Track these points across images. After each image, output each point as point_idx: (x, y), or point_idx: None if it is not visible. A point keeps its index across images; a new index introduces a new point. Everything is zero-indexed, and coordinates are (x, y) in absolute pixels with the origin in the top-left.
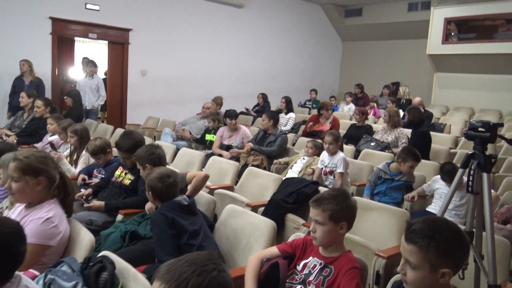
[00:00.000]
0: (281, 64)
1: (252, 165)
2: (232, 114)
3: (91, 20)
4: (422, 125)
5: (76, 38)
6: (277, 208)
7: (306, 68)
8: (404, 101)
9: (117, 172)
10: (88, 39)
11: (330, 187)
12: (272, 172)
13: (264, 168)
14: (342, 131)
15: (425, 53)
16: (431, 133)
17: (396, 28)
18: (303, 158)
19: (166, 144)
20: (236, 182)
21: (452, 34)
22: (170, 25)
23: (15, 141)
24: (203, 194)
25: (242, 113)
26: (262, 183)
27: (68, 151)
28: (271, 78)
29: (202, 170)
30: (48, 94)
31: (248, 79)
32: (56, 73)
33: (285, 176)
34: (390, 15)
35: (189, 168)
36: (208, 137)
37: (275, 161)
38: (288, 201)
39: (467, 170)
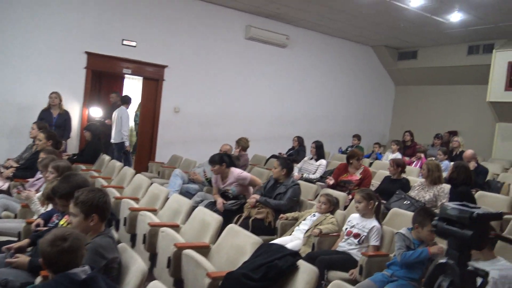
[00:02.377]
0: (325, 107)
1: (256, 219)
2: (212, 160)
3: (126, 55)
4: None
5: (126, 76)
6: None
7: (353, 112)
8: (458, 153)
9: (61, 222)
10: (125, 74)
11: (351, 251)
12: (277, 228)
13: (269, 223)
14: (377, 183)
15: (486, 100)
16: (484, 193)
17: (454, 72)
18: (314, 214)
19: (159, 187)
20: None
21: None
22: (207, 63)
23: (11, 174)
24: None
25: (274, 156)
26: (240, 246)
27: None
28: (312, 121)
29: (186, 221)
30: (75, 127)
31: (287, 121)
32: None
33: (290, 234)
34: (447, 58)
35: (175, 217)
36: None
37: (281, 215)
38: (253, 277)
39: None
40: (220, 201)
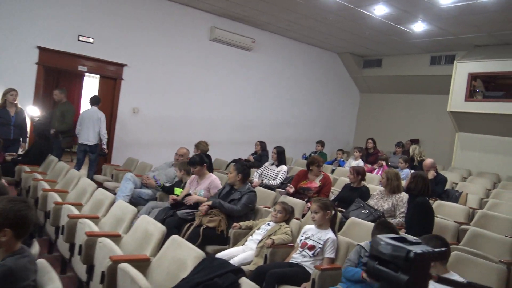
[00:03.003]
0: (290, 112)
1: (207, 228)
2: (193, 161)
3: (83, 52)
4: (424, 195)
5: (85, 74)
6: None
7: (318, 118)
8: (417, 163)
9: None
10: (83, 72)
11: (304, 264)
12: (229, 237)
13: (222, 232)
14: (337, 190)
15: (447, 110)
16: (442, 203)
17: (417, 81)
18: (268, 223)
19: (104, 192)
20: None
21: (477, 91)
22: (169, 63)
23: None
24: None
25: (235, 161)
26: (181, 260)
27: None
28: (277, 126)
29: (130, 229)
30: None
31: (251, 125)
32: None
33: (243, 244)
34: (411, 67)
35: (118, 226)
36: (177, 190)
37: (234, 224)
38: None
39: None
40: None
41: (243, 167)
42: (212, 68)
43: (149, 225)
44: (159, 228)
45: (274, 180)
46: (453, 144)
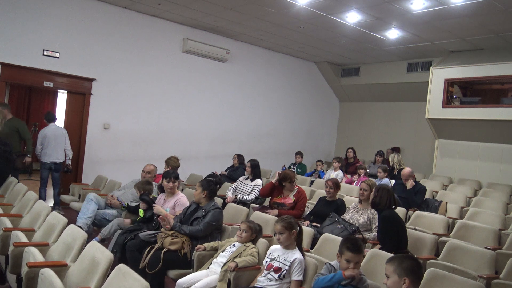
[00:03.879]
0: (269, 123)
1: (169, 250)
2: (169, 175)
3: (48, 67)
4: (391, 208)
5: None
6: None
7: (298, 129)
8: (397, 172)
9: None
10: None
11: (270, 287)
12: (193, 260)
13: (185, 255)
14: (313, 204)
15: (425, 117)
16: (420, 213)
17: (396, 89)
18: (233, 245)
19: (57, 216)
20: None
21: (454, 97)
22: (141, 76)
23: None
24: None
25: (211, 175)
26: None
27: None
28: (256, 138)
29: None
30: None
31: (229, 138)
32: None
33: (207, 268)
34: (388, 75)
35: (67, 254)
36: (142, 212)
37: (198, 246)
38: None
39: None
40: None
41: (209, 183)
42: (186, 81)
43: (97, 253)
44: (106, 257)
45: (248, 195)
46: (433, 152)
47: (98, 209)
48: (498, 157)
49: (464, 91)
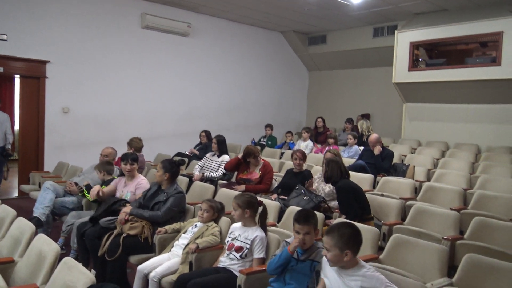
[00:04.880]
0: (238, 97)
1: (129, 236)
2: (126, 157)
3: None
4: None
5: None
6: None
7: (268, 101)
8: (366, 139)
9: None
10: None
11: (232, 267)
12: (155, 244)
13: (146, 239)
14: (280, 177)
15: (392, 81)
16: (387, 179)
17: (363, 55)
18: (195, 225)
19: (6, 209)
20: None
21: (420, 60)
22: (99, 56)
23: None
24: None
25: (179, 154)
26: (71, 287)
27: None
28: (226, 113)
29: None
30: None
31: (197, 115)
32: None
33: (169, 251)
34: (355, 41)
35: (15, 249)
36: (87, 195)
37: (158, 229)
38: None
39: None
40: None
41: (171, 165)
42: (147, 58)
43: (44, 246)
44: (53, 250)
45: (216, 171)
46: (402, 116)
47: (56, 197)
48: (464, 117)
49: (429, 54)
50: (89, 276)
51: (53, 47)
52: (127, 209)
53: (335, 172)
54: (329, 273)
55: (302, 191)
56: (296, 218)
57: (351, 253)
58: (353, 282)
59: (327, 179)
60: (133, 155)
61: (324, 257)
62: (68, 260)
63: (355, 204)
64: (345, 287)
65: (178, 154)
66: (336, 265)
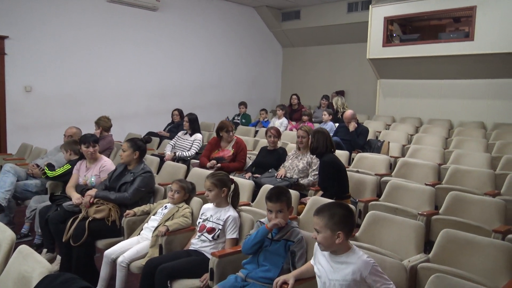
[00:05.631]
0: (211, 74)
1: (95, 220)
2: (87, 139)
3: None
4: (331, 152)
5: None
6: None
7: (242, 78)
8: (341, 115)
9: None
10: None
11: (203, 250)
12: (123, 227)
13: (113, 222)
14: (254, 155)
15: (366, 57)
16: (362, 155)
17: (337, 31)
18: (165, 206)
19: None
20: None
21: (394, 35)
22: (62, 32)
23: None
24: None
25: (150, 133)
26: (26, 277)
27: None
28: (199, 91)
29: None
30: None
31: (169, 92)
32: None
33: (138, 234)
34: (329, 17)
35: None
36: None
37: (126, 212)
38: None
39: None
40: (77, 196)
41: (138, 144)
42: (115, 34)
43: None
44: (7, 237)
45: (188, 150)
46: (376, 92)
47: (18, 180)
48: (437, 93)
49: (403, 29)
50: (46, 265)
51: (12, 22)
52: (92, 191)
53: (321, 143)
54: (321, 259)
55: (274, 175)
56: (268, 196)
57: (343, 235)
58: (345, 270)
59: (312, 150)
60: (94, 137)
61: (316, 244)
62: (23, 248)
63: (336, 181)
64: (336, 275)
65: (149, 133)
66: (328, 250)
